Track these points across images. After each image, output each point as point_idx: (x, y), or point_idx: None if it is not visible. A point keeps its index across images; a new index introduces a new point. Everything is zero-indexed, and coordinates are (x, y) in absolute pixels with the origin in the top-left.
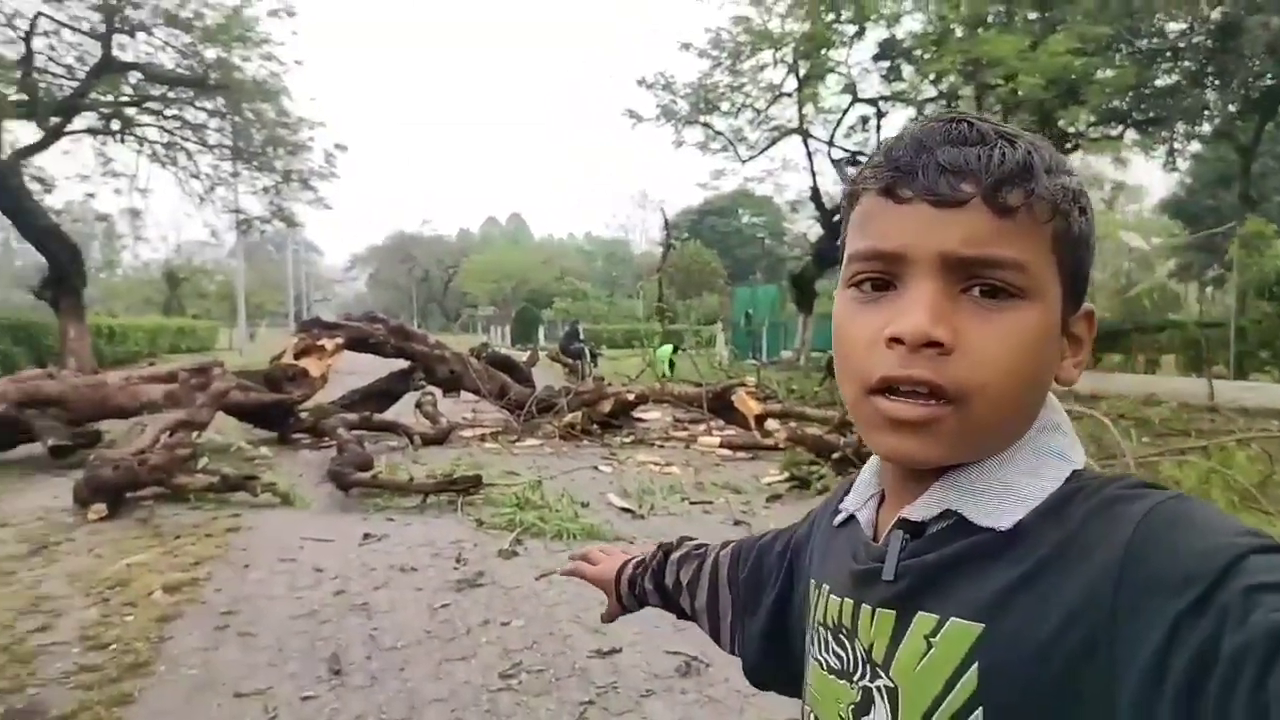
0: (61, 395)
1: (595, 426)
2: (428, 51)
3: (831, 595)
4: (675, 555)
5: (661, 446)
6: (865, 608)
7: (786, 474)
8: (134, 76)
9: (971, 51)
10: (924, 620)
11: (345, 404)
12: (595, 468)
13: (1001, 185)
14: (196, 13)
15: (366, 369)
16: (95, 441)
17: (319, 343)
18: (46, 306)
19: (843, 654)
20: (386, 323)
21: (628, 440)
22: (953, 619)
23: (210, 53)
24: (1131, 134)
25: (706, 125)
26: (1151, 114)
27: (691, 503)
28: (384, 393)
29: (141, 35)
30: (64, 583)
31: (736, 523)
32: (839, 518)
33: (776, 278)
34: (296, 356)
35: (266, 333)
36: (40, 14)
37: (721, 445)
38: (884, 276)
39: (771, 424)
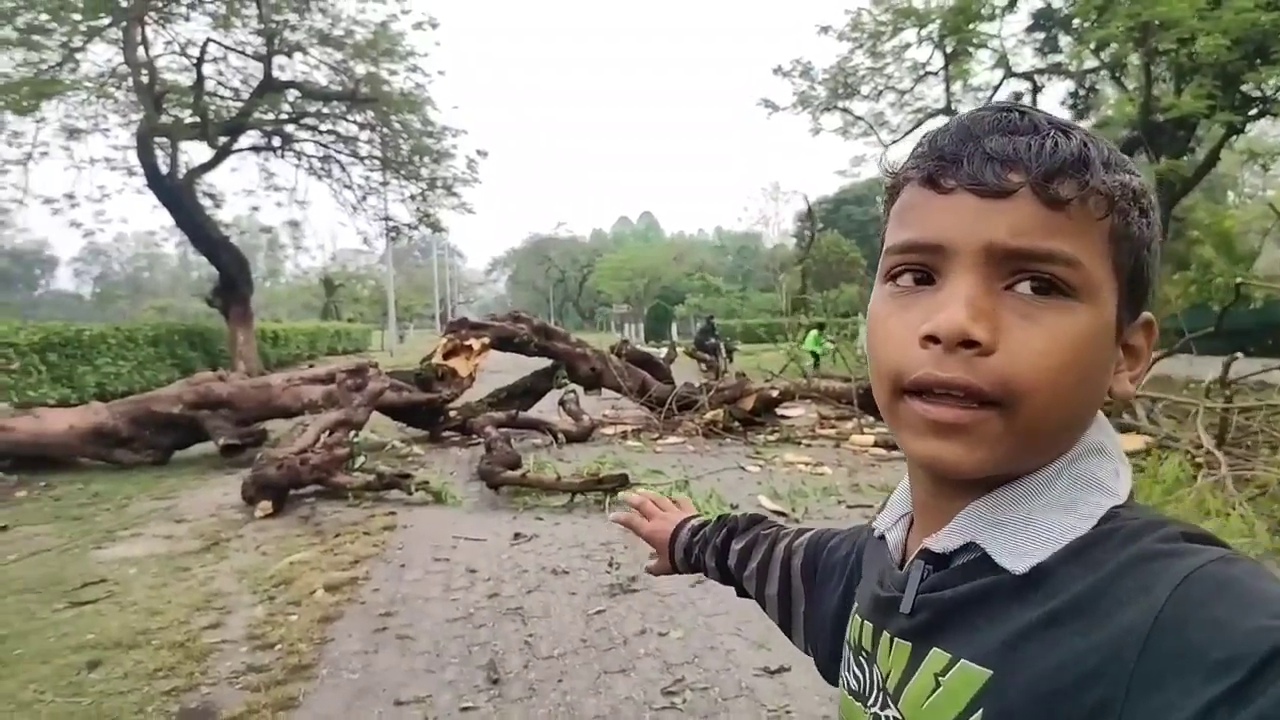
0: (230, 396)
1: (737, 424)
2: (554, 50)
3: (857, 615)
4: (743, 538)
5: (809, 445)
6: (885, 635)
7: None
8: (292, 94)
9: (1142, 14)
10: (936, 658)
11: (491, 402)
12: (741, 467)
13: (1053, 176)
14: (347, 30)
15: (510, 367)
16: (262, 440)
17: (467, 343)
18: (218, 313)
19: (861, 677)
20: (530, 321)
21: (772, 438)
22: (963, 661)
23: (361, 68)
24: None
25: (845, 110)
26: None
27: (849, 506)
28: (528, 390)
29: (298, 56)
30: (233, 579)
31: None
32: (875, 533)
33: None
34: (445, 356)
35: (415, 334)
36: (209, 40)
37: (875, 444)
38: (923, 270)
39: None
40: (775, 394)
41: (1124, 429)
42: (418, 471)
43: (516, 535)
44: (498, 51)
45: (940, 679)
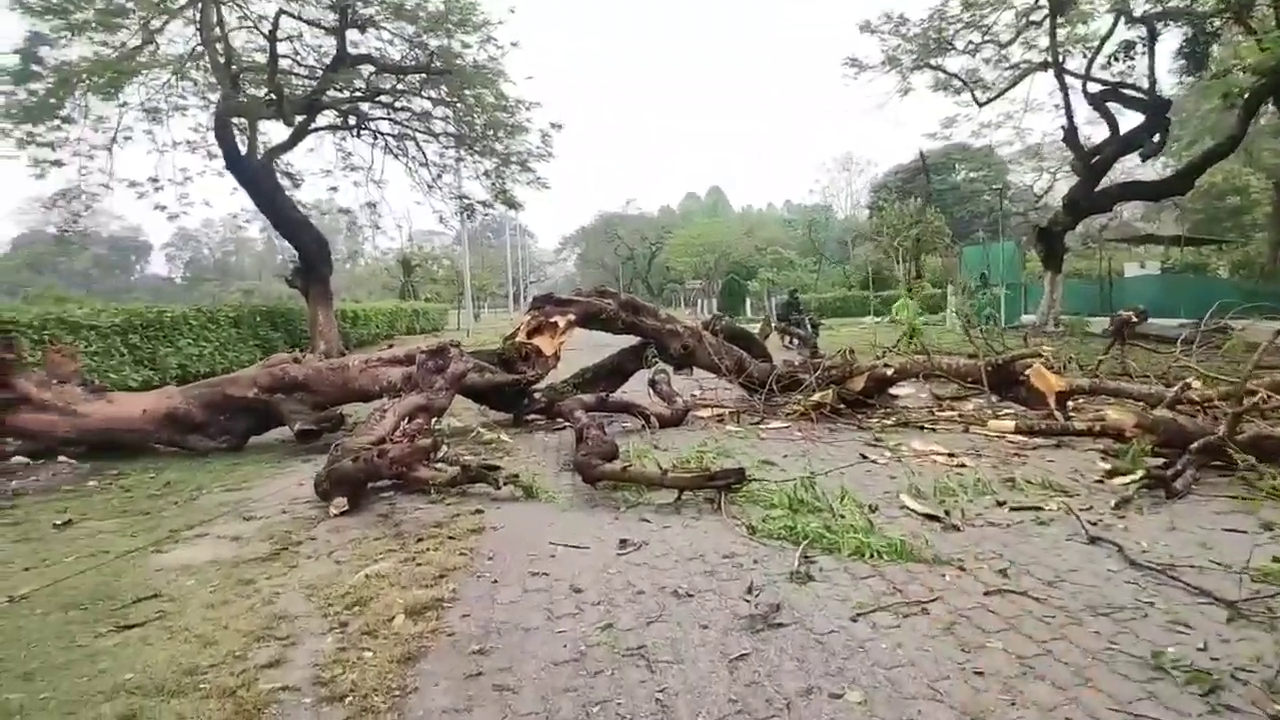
0: (306, 379)
1: (845, 406)
2: (617, 21)
3: None
4: None
5: (933, 430)
6: None
7: (1138, 471)
8: (366, 70)
9: None
10: None
11: (577, 383)
12: (864, 457)
13: None
14: (419, 3)
15: (585, 345)
16: (339, 425)
17: (551, 320)
18: (300, 295)
19: None
20: (617, 296)
21: (889, 423)
22: None
23: (434, 41)
24: None
25: (938, 68)
26: None
27: (1012, 508)
28: (615, 370)
29: (371, 31)
30: (301, 597)
31: (1093, 540)
32: None
33: (999, 236)
34: (529, 335)
35: (489, 314)
36: (282, 11)
37: (1017, 430)
38: None
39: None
40: (890, 372)
41: None
42: (504, 460)
43: (623, 542)
44: (564, 19)
45: None
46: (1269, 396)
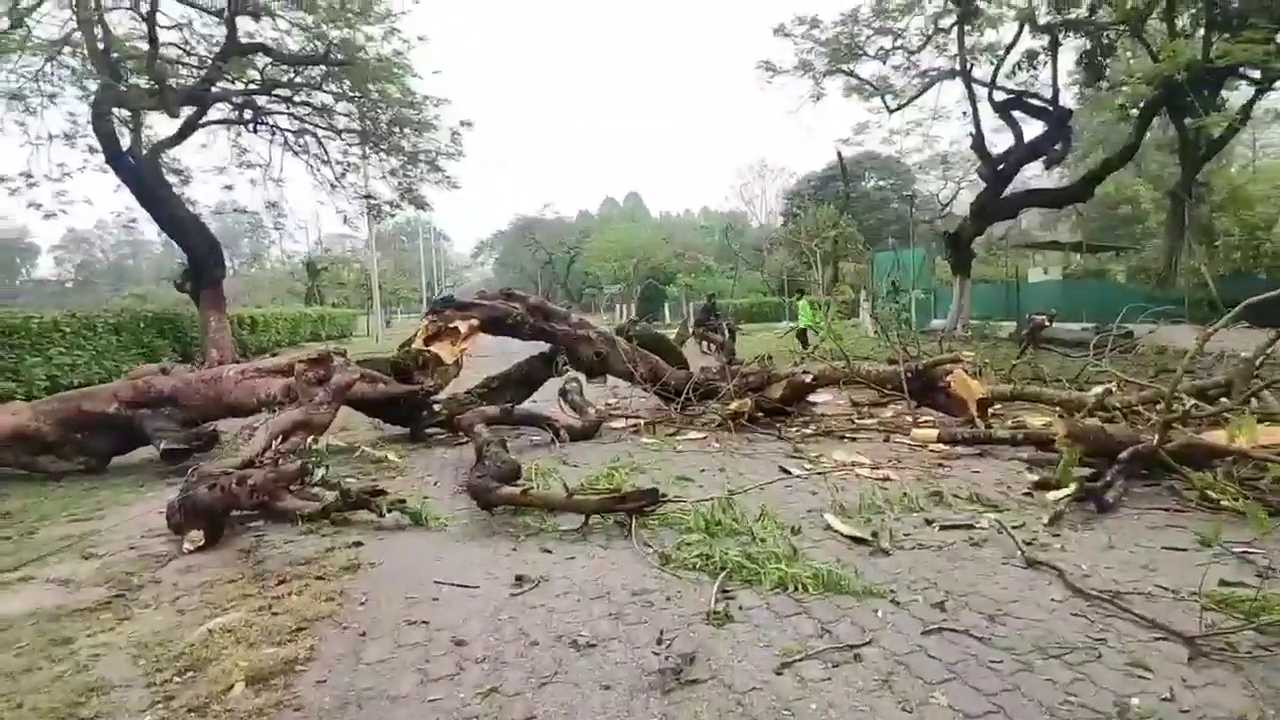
0: (174, 392)
1: (762, 414)
2: (531, 21)
3: None
4: None
5: (853, 439)
6: None
7: (1071, 484)
8: (261, 61)
9: None
10: None
11: (481, 393)
12: (784, 470)
13: None
14: None
15: (501, 350)
16: (212, 443)
17: (452, 325)
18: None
19: None
20: (526, 300)
21: (809, 431)
22: None
23: (335, 33)
24: None
25: (850, 74)
26: None
27: (942, 527)
28: (524, 379)
29: (267, 21)
30: (127, 660)
31: (1030, 563)
32: None
33: (910, 242)
34: (427, 341)
35: (402, 319)
36: None
37: (940, 439)
38: None
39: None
40: (809, 380)
41: None
42: (396, 481)
43: (518, 579)
44: (478, 20)
45: None
46: (1199, 405)
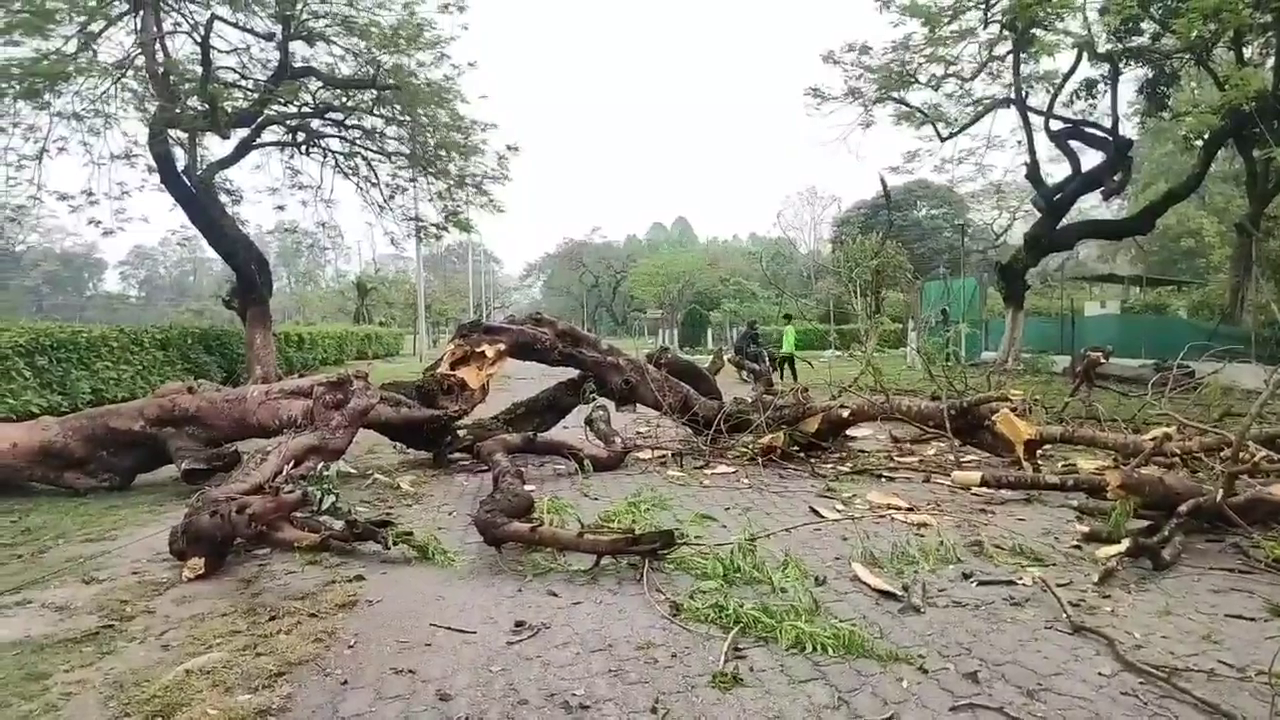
0: (199, 411)
1: (797, 449)
2: (586, 48)
3: None
4: None
5: (891, 479)
6: None
7: (1125, 540)
8: (314, 85)
9: None
10: None
11: (508, 419)
12: (815, 511)
13: None
14: (370, 19)
15: (542, 375)
16: (234, 464)
17: (479, 349)
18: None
19: None
20: (554, 325)
21: (844, 469)
22: None
23: (387, 59)
24: None
25: (900, 101)
26: None
27: (980, 583)
28: (551, 406)
29: (320, 46)
30: (98, 702)
31: (1076, 629)
32: None
33: (960, 272)
34: (453, 366)
35: (449, 340)
36: (215, 16)
37: (983, 483)
38: None
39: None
40: (846, 414)
41: None
42: (411, 509)
43: (518, 625)
44: (530, 48)
45: None
46: (1270, 455)
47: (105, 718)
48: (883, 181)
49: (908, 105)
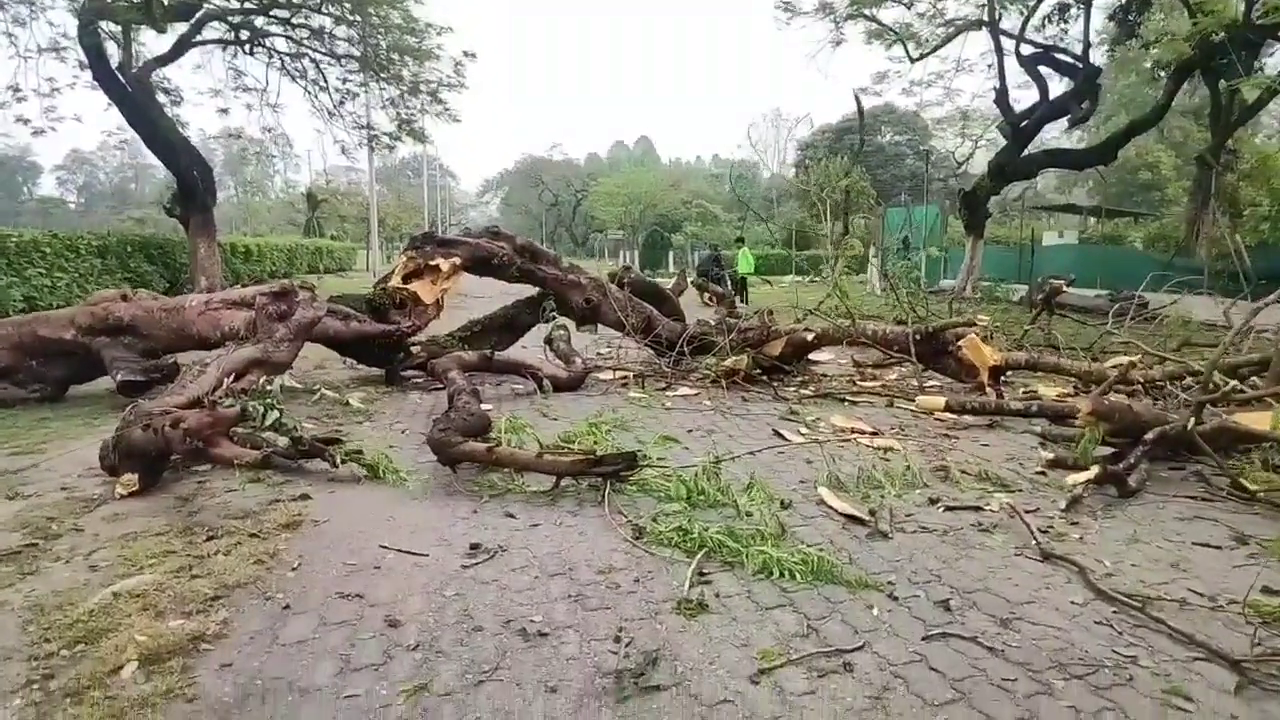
0: (134, 321)
1: (760, 372)
2: None
3: None
4: None
5: (854, 403)
6: None
7: (1093, 466)
8: None
9: None
10: None
11: (463, 336)
12: (778, 434)
13: None
14: None
15: (501, 293)
16: (173, 376)
17: (433, 263)
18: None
19: None
20: (513, 239)
21: (807, 392)
22: None
23: None
24: None
25: (872, 18)
26: None
27: (948, 508)
28: (509, 324)
29: None
30: (18, 627)
31: (1047, 556)
32: None
33: (923, 199)
34: (406, 279)
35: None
36: None
37: (947, 408)
38: None
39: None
40: (811, 337)
41: None
42: (362, 427)
43: (473, 547)
44: None
45: None
46: (1238, 385)
47: (23, 643)
48: (857, 99)
49: (879, 23)
